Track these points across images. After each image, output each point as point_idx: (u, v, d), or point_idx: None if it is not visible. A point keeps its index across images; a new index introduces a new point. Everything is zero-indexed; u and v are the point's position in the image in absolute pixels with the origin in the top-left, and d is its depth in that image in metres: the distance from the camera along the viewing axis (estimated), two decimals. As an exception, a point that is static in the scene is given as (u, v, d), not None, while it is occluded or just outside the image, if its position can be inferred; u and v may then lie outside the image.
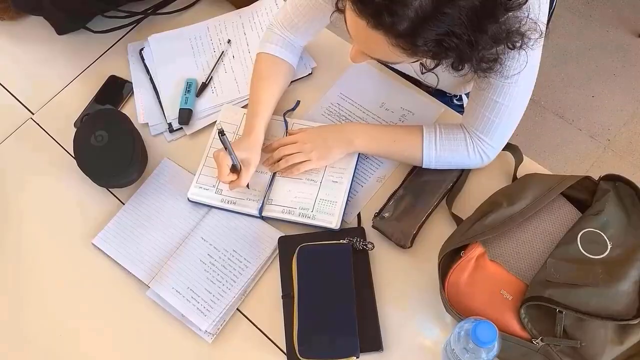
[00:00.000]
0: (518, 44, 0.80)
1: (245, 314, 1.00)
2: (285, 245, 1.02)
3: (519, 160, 1.06)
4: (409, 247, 1.00)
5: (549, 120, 2.07)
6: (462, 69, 0.82)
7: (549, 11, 1.14)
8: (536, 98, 2.09)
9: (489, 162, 1.03)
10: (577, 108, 2.10)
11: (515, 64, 0.87)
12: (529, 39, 0.80)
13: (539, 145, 2.03)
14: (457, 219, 1.02)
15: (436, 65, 0.88)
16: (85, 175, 1.07)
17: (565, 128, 2.06)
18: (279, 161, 1.06)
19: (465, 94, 1.27)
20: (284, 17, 1.11)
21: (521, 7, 0.76)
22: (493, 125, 0.97)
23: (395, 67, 1.19)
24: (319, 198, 1.04)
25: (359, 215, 1.06)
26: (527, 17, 0.78)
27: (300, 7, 1.07)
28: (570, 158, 2.01)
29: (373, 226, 1.03)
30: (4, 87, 1.26)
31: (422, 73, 1.03)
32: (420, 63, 1.01)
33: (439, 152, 1.01)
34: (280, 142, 1.08)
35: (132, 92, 1.21)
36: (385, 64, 1.19)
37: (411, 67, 1.10)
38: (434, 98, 1.16)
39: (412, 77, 1.20)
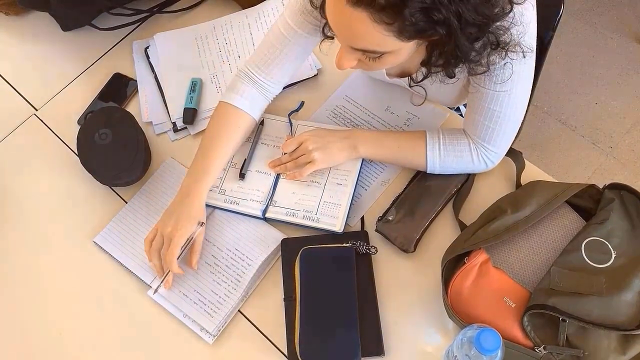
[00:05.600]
0: (503, 42, 0.80)
1: (247, 315, 0.99)
2: (288, 248, 1.02)
3: (520, 167, 1.05)
4: (412, 252, 1.00)
5: (552, 127, 2.07)
6: (455, 65, 0.82)
7: (556, 18, 1.15)
8: (539, 104, 2.09)
9: (494, 166, 1.03)
10: (580, 115, 2.10)
11: (503, 73, 0.88)
12: (513, 44, 0.81)
13: (541, 152, 2.03)
14: (461, 225, 1.02)
15: (426, 75, 0.88)
16: (88, 173, 1.07)
17: (568, 135, 2.06)
18: (285, 163, 1.06)
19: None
20: (258, 56, 1.04)
21: None
22: (494, 132, 0.97)
23: (390, 81, 1.17)
24: (323, 200, 1.04)
25: (362, 219, 1.05)
26: (512, 24, 0.80)
27: (275, 42, 1.01)
28: (572, 165, 2.01)
29: (376, 230, 1.02)
30: (7, 82, 1.25)
31: (410, 86, 1.03)
32: (410, 77, 1.01)
33: (443, 158, 1.01)
34: (285, 145, 1.07)
35: (137, 90, 1.21)
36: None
37: (403, 82, 1.09)
38: (435, 102, 1.16)
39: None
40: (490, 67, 0.85)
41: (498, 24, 0.78)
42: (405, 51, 0.80)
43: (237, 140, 1.06)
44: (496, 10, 0.76)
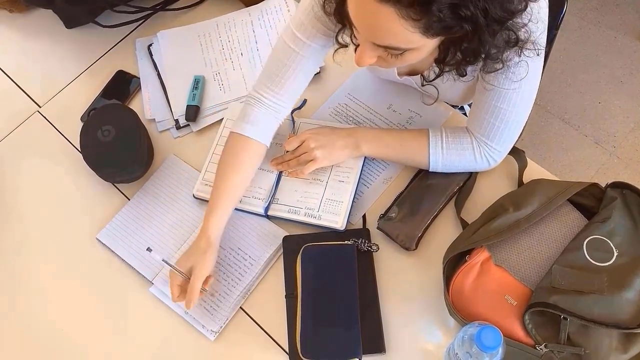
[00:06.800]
0: (522, 39, 0.80)
1: (249, 312, 1.00)
2: (290, 245, 1.02)
3: (523, 165, 1.05)
4: (413, 250, 1.00)
5: (555, 126, 2.07)
6: (472, 63, 0.82)
7: (560, 16, 1.15)
8: (542, 103, 2.09)
9: (496, 165, 1.03)
10: (584, 114, 2.09)
11: (518, 70, 0.87)
12: (530, 42, 0.81)
13: (544, 151, 2.03)
14: (463, 223, 1.02)
15: (439, 74, 0.88)
16: (91, 170, 1.07)
17: (571, 134, 2.06)
18: (288, 160, 1.06)
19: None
20: (266, 76, 1.01)
21: None
22: (498, 130, 0.97)
23: (400, 80, 1.17)
24: (325, 198, 1.04)
25: (364, 217, 1.05)
26: (530, 21, 0.79)
27: (283, 58, 0.98)
28: (575, 164, 2.01)
29: (378, 227, 1.02)
30: (11, 79, 1.26)
31: (423, 85, 1.02)
32: (421, 75, 1.01)
33: (446, 156, 1.01)
34: (287, 143, 1.07)
35: (139, 88, 1.21)
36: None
37: (413, 80, 1.09)
38: (441, 101, 1.16)
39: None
40: (505, 65, 0.84)
41: (517, 20, 0.78)
42: (428, 48, 0.79)
43: (250, 172, 1.04)
44: (515, 5, 0.76)
